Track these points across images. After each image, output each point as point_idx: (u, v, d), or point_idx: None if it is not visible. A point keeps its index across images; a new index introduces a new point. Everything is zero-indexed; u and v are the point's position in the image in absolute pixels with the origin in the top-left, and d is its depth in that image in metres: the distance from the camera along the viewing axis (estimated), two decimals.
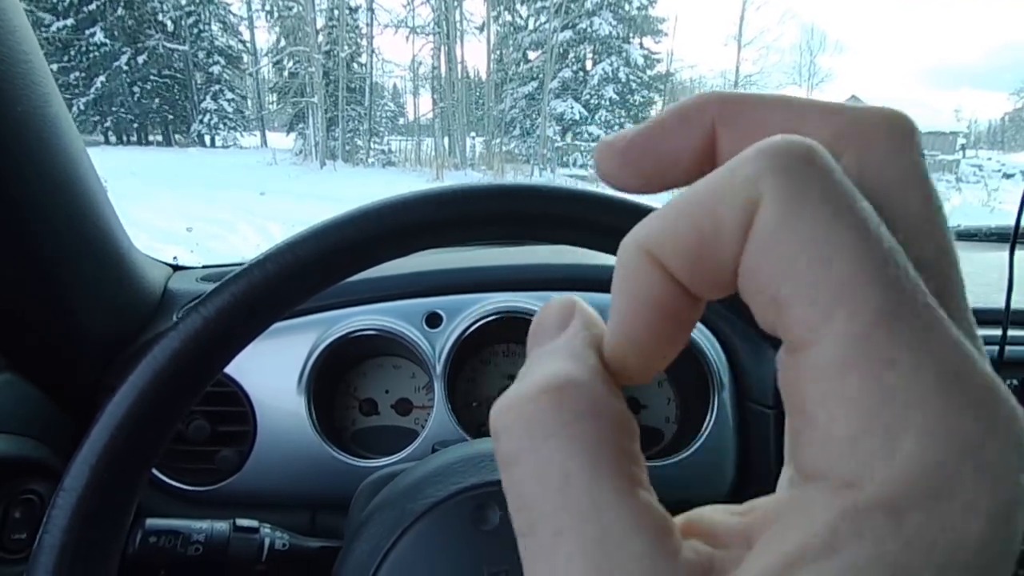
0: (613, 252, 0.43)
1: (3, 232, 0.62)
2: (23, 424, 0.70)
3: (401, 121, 27.45)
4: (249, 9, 24.27)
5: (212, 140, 23.21)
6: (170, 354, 0.39)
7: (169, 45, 22.06)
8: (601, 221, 0.41)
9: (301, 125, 21.45)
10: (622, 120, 23.61)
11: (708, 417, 0.81)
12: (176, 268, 1.00)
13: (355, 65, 22.29)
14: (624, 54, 23.88)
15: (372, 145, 21.54)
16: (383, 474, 0.58)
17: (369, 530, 0.44)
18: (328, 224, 0.41)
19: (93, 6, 20.81)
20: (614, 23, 23.54)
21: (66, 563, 0.36)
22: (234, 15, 24.47)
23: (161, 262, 0.96)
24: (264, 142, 25.37)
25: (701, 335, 0.83)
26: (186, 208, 8.94)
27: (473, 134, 23.79)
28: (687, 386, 0.89)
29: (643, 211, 0.41)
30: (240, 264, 1.09)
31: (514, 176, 16.60)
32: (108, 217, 0.74)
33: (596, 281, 0.88)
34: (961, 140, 27.43)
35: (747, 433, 0.81)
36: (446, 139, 22.38)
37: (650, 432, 0.90)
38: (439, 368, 0.82)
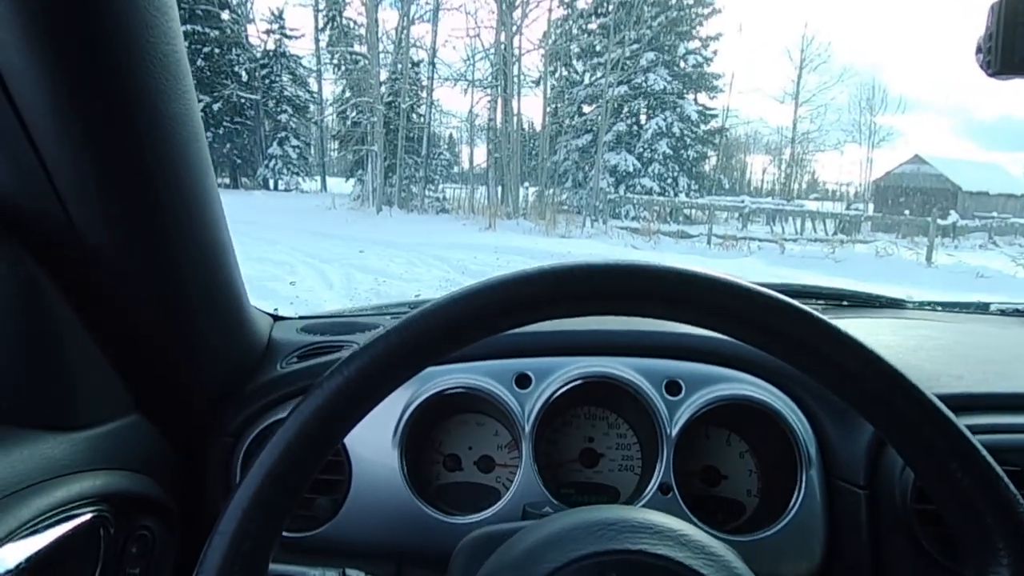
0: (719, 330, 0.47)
1: (150, 284, 0.69)
2: (142, 464, 0.76)
3: (455, 170, 28.11)
4: (318, 62, 25.59)
5: (276, 184, 24.20)
6: (314, 409, 0.43)
7: (242, 94, 23.33)
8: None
9: (360, 171, 22.22)
10: (675, 174, 23.66)
11: (796, 494, 0.80)
12: (276, 319, 1.06)
13: (414, 115, 23.08)
14: (679, 109, 24.09)
15: (427, 192, 22.09)
16: (482, 534, 0.60)
17: None
18: (457, 296, 0.45)
19: None
20: (669, 79, 23.83)
21: None
22: (304, 67, 25.83)
23: (264, 312, 1.02)
24: (324, 187, 26.33)
25: (787, 407, 0.83)
26: (247, 249, 9.29)
27: (526, 184, 24.17)
28: (770, 458, 0.89)
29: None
30: (332, 316, 1.14)
31: (566, 226, 16.72)
32: (232, 267, 0.80)
33: (680, 349, 0.89)
34: None
35: (836, 512, 0.80)
36: (499, 188, 22.78)
37: (731, 504, 0.90)
38: (527, 428, 0.84)
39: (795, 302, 0.45)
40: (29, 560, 0.58)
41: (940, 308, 1.34)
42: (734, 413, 0.86)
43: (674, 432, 0.83)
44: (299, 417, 0.43)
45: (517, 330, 0.92)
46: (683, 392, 0.85)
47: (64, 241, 0.62)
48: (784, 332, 0.44)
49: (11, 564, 0.56)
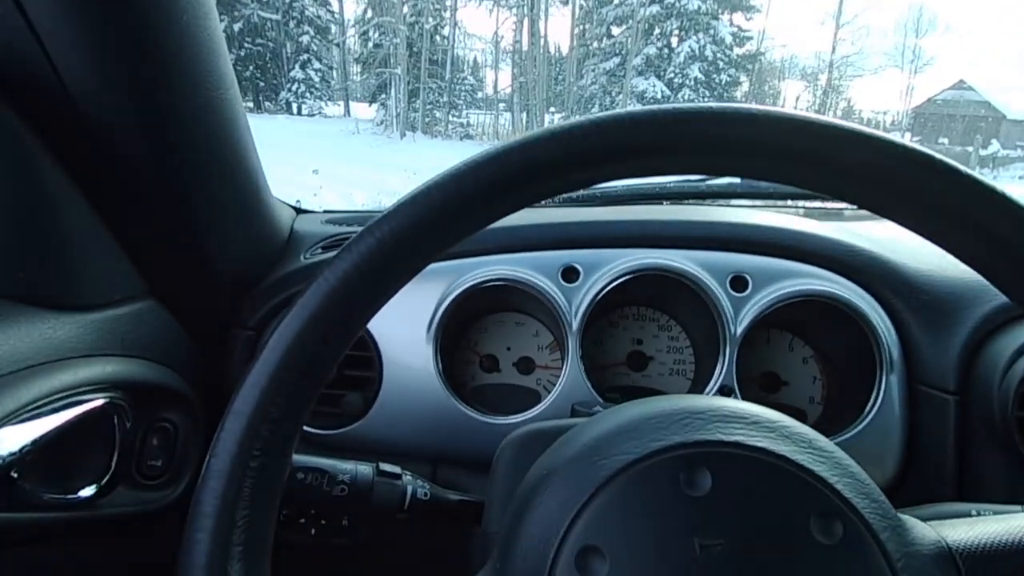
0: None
1: (156, 154, 0.61)
2: (160, 353, 0.70)
3: (480, 95, 27.35)
4: None
5: (299, 108, 23.84)
6: (341, 275, 0.35)
7: (263, 14, 22.71)
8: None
9: (383, 96, 21.75)
10: (706, 100, 22.81)
11: (873, 399, 0.72)
12: (299, 211, 0.98)
13: (438, 38, 22.36)
14: (712, 31, 22.97)
15: (451, 118, 21.64)
16: (531, 430, 0.54)
17: (553, 486, 0.40)
18: (512, 145, 0.36)
19: None
20: None
21: (234, 488, 0.33)
22: None
23: (286, 204, 0.95)
24: (347, 112, 25.91)
25: (868, 305, 0.74)
26: (272, 173, 9.20)
27: (552, 109, 23.52)
28: (838, 363, 0.81)
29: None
30: (361, 211, 1.05)
31: None
32: (252, 154, 0.72)
33: (746, 241, 0.80)
34: None
35: (917, 420, 0.73)
36: (524, 114, 22.23)
37: (791, 412, 0.82)
38: (575, 325, 0.77)
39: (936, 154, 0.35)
40: (34, 444, 0.52)
41: None
42: (802, 314, 0.78)
43: (739, 331, 0.75)
44: (324, 285, 0.35)
45: (564, 219, 0.84)
46: (750, 288, 0.76)
47: (52, 96, 0.54)
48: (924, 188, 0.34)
49: (14, 447, 0.51)
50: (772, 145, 0.35)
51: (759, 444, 0.37)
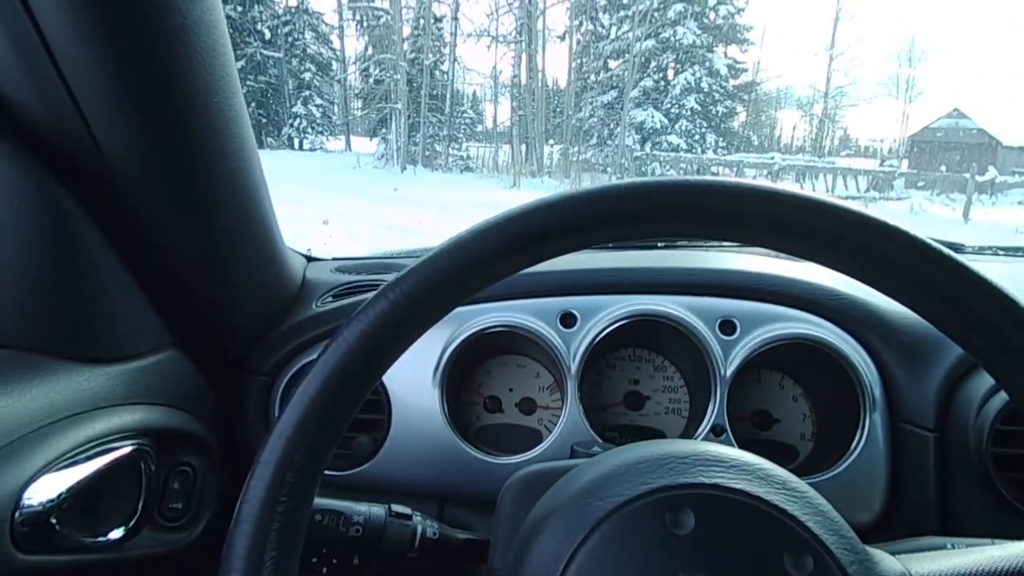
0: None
1: (184, 215, 0.66)
2: (181, 399, 0.74)
3: (479, 128, 27.74)
4: (340, 18, 25.31)
5: (301, 143, 24.18)
6: (359, 335, 0.40)
7: (266, 52, 23.18)
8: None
9: (384, 130, 22.08)
10: (703, 130, 23.13)
11: (858, 437, 0.76)
12: (309, 259, 1.03)
13: (437, 73, 22.79)
14: (708, 64, 23.40)
15: (451, 151, 21.93)
16: (533, 471, 0.57)
17: (553, 525, 0.44)
18: (510, 215, 0.41)
19: None
20: (698, 32, 23.10)
21: (263, 531, 0.37)
22: (326, 24, 25.53)
23: (298, 253, 1.00)
24: (348, 146, 26.28)
25: (849, 347, 0.78)
26: (275, 207, 9.32)
27: (551, 142, 23.85)
28: (827, 402, 0.85)
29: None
30: (367, 258, 1.10)
31: (591, 184, 16.47)
32: (267, 206, 0.77)
33: (734, 286, 0.85)
34: None
35: (900, 457, 0.76)
36: (523, 146, 22.52)
37: (783, 448, 0.86)
38: (573, 368, 0.81)
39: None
40: (70, 491, 0.56)
41: (1002, 252, 1.26)
42: (789, 354, 0.82)
43: (728, 372, 0.79)
44: (343, 344, 0.40)
45: (562, 267, 0.88)
46: (738, 331, 0.81)
47: (90, 163, 0.59)
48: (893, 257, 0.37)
49: (52, 494, 0.55)
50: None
51: (737, 486, 0.41)
